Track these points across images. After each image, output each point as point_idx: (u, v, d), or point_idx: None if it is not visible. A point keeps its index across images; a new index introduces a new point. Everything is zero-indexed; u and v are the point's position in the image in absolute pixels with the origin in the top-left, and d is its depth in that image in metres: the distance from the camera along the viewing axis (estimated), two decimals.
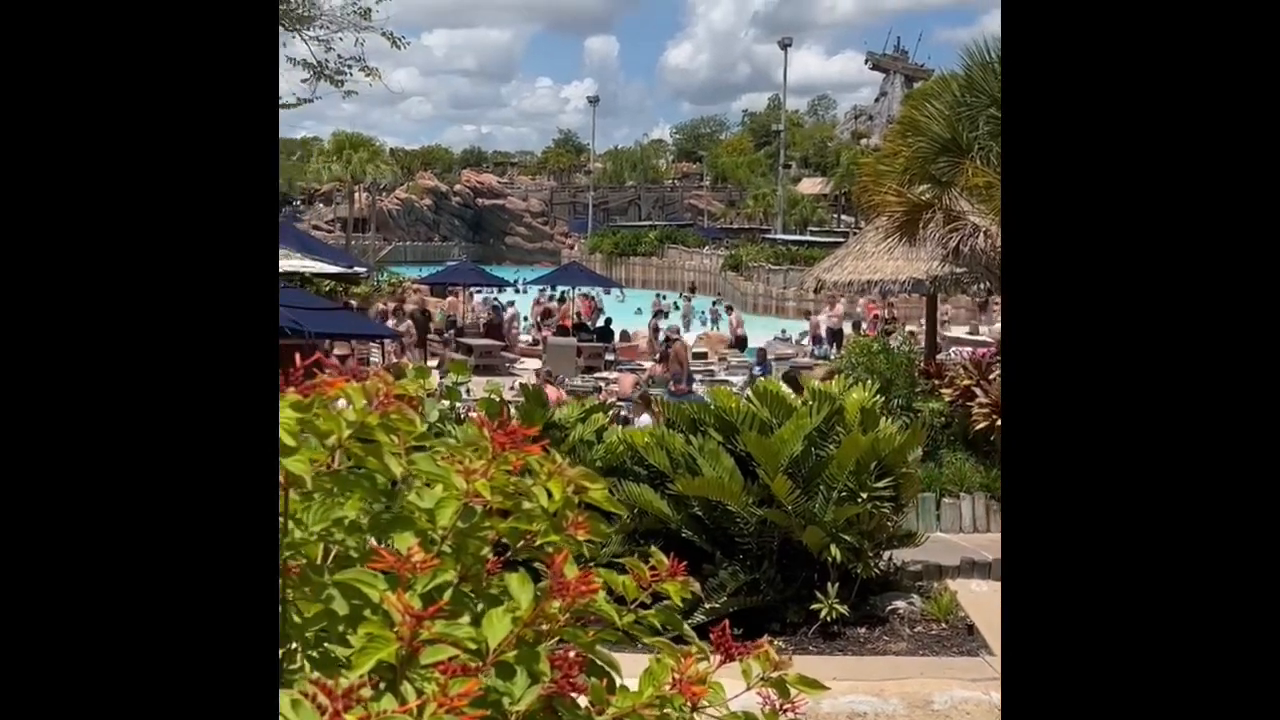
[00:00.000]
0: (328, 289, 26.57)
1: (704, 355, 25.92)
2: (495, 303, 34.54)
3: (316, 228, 67.28)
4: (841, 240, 32.31)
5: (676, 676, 1.51)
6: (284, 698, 1.17)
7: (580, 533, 1.63)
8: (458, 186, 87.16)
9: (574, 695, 1.49)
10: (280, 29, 21.36)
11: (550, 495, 1.59)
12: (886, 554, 8.47)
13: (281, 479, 1.42)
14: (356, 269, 31.78)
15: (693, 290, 42.20)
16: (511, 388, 17.15)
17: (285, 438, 1.36)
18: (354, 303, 26.95)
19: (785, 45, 67.57)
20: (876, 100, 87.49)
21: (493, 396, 7.06)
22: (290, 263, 25.34)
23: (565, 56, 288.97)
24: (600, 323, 30.67)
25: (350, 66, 22.03)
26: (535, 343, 28.17)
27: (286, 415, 1.38)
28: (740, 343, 27.77)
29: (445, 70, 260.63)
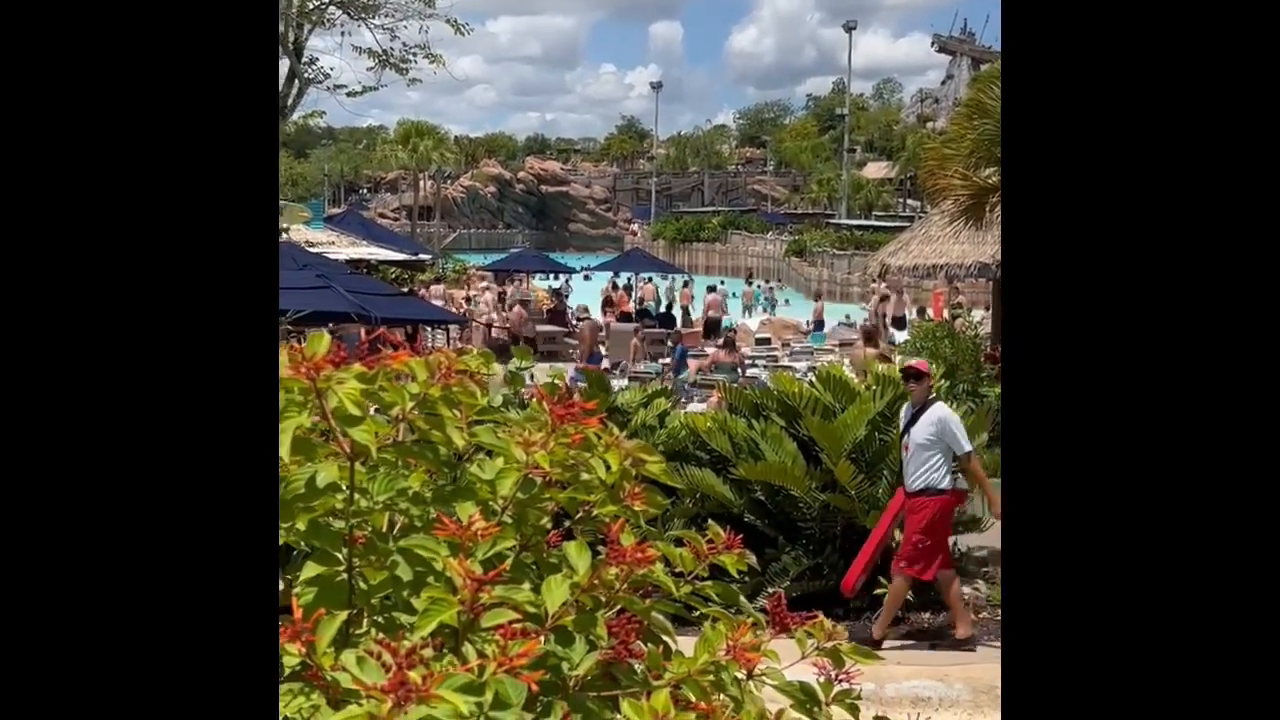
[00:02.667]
0: (393, 276, 26.85)
1: (767, 340, 25.82)
2: (560, 288, 34.67)
3: (383, 215, 67.99)
4: (907, 225, 31.96)
5: (731, 643, 1.54)
6: (349, 656, 1.21)
7: (637, 503, 1.66)
8: (521, 174, 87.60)
9: (631, 661, 1.52)
10: (346, 17, 21.58)
11: (608, 467, 1.62)
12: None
13: (347, 449, 1.46)
14: (421, 256, 32.10)
15: (750, 278, 41.84)
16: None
17: (351, 408, 1.40)
18: (420, 290, 27.18)
19: (850, 28, 66.92)
20: (943, 83, 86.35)
21: (555, 381, 7.12)
22: (357, 250, 25.67)
23: (630, 42, 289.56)
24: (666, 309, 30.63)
25: (415, 54, 22.25)
26: (599, 328, 28.20)
27: (352, 386, 1.41)
28: (710, 328, 27.36)
29: (509, 57, 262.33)
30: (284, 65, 21.49)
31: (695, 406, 13.42)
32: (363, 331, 1.50)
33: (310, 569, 1.51)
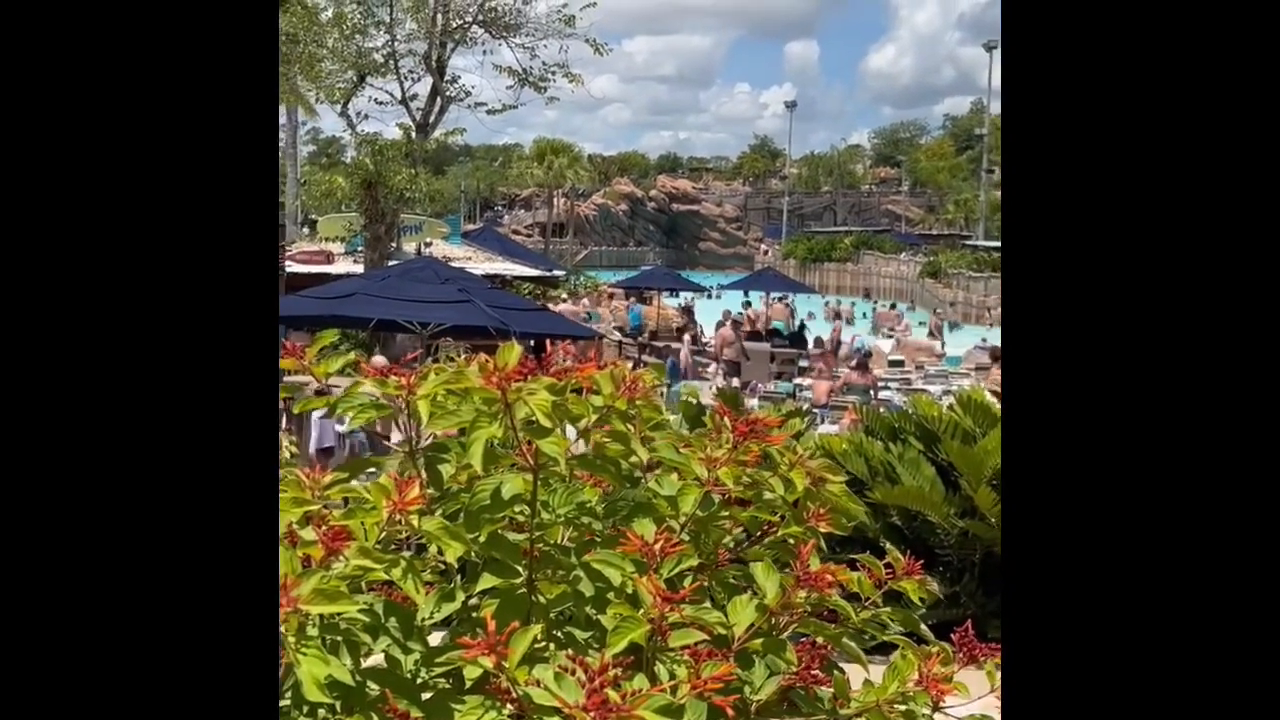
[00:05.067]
0: (526, 291, 27.23)
1: (900, 363, 25.42)
2: (688, 305, 34.66)
3: (515, 232, 68.96)
4: None
5: (923, 673, 1.49)
6: (544, 671, 1.20)
7: (822, 524, 1.62)
8: (653, 192, 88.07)
9: (814, 687, 1.48)
10: (488, 36, 22.00)
11: (788, 486, 1.59)
12: None
13: (532, 460, 1.45)
14: (555, 272, 32.48)
15: (867, 296, 41.10)
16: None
17: (543, 420, 1.39)
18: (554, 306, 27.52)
19: (991, 48, 65.50)
20: None
21: (690, 399, 7.13)
22: (493, 265, 26.16)
23: (765, 61, 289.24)
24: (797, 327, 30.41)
25: (554, 73, 22.53)
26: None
27: (543, 398, 1.40)
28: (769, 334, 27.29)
29: (645, 76, 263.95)
30: (427, 83, 21.99)
31: (826, 428, 13.28)
32: (549, 343, 1.49)
33: (486, 580, 1.50)
